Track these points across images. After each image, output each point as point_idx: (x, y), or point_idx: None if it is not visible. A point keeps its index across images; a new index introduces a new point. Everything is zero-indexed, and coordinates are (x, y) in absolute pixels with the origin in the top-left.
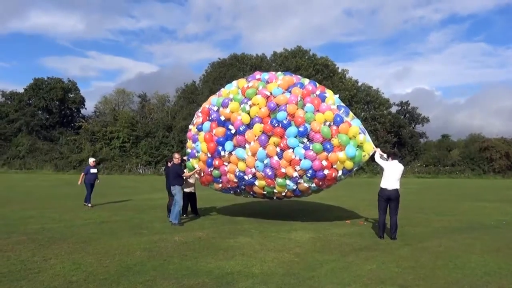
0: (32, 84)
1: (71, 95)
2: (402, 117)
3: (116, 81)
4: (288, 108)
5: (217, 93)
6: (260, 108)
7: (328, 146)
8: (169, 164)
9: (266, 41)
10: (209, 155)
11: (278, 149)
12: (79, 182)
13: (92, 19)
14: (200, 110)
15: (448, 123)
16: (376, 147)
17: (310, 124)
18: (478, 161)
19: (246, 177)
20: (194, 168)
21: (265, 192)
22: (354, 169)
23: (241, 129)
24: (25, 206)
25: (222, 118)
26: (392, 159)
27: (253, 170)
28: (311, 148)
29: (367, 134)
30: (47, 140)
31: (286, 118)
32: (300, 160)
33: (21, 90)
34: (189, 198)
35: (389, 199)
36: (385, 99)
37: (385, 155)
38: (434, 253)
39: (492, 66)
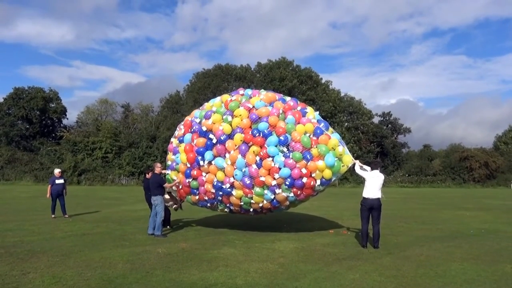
0: (12, 94)
1: (53, 105)
2: (384, 127)
3: (101, 91)
4: (270, 119)
5: (201, 107)
6: (242, 120)
7: (308, 156)
8: (148, 176)
9: (252, 52)
10: (188, 165)
11: (257, 158)
12: (47, 195)
13: (77, 28)
14: (182, 123)
15: (430, 133)
16: (359, 157)
17: (290, 134)
18: (459, 170)
19: (224, 187)
20: (173, 181)
21: (242, 203)
22: (333, 179)
23: (222, 138)
24: (3, 219)
25: (204, 128)
26: (373, 169)
27: (231, 179)
28: (291, 156)
29: (345, 147)
30: (27, 150)
31: (268, 129)
32: (280, 168)
33: (0, 100)
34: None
35: (371, 208)
36: (368, 109)
37: (365, 167)
38: (415, 261)
39: (472, 78)
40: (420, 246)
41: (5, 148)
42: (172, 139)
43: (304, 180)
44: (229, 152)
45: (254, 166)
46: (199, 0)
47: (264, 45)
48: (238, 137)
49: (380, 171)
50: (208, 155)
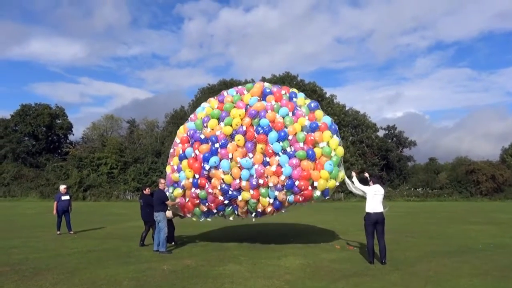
0: (19, 110)
1: (59, 121)
2: (389, 141)
3: (108, 107)
4: (268, 115)
5: (190, 119)
6: (241, 119)
7: (310, 152)
8: (146, 191)
9: (258, 67)
10: (196, 176)
11: (264, 157)
12: (54, 212)
13: (87, 46)
14: (176, 142)
15: (436, 146)
16: (365, 170)
17: (287, 128)
18: (465, 183)
19: (231, 190)
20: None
21: (248, 206)
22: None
23: (222, 141)
24: (8, 235)
25: (203, 136)
26: (374, 183)
27: (238, 181)
28: (295, 155)
29: (339, 136)
30: (33, 166)
31: (268, 125)
32: (282, 167)
33: (8, 117)
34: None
35: (376, 223)
36: (372, 123)
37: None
38: (423, 277)
39: (477, 91)
40: (428, 262)
41: (12, 164)
42: (170, 166)
43: (301, 183)
44: (232, 153)
45: (258, 166)
46: (205, 17)
47: (270, 60)
48: (237, 137)
49: (381, 186)
50: (214, 160)
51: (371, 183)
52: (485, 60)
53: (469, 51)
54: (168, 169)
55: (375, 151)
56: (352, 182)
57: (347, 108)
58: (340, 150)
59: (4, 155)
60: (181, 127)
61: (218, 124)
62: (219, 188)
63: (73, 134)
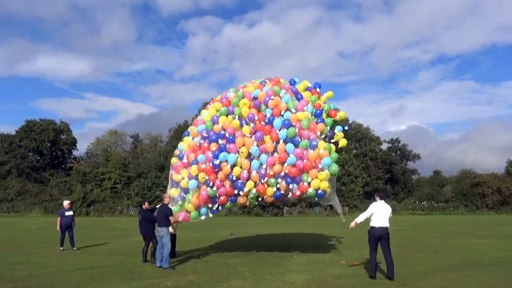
0: (24, 126)
1: (63, 137)
2: (393, 154)
3: (113, 122)
4: (270, 103)
5: (196, 123)
6: (249, 108)
7: (314, 143)
8: (144, 206)
9: None
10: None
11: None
12: (57, 228)
13: (92, 62)
14: (184, 155)
15: (441, 159)
16: (368, 184)
17: (291, 110)
18: (471, 197)
19: (239, 181)
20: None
21: (250, 196)
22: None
23: (231, 137)
24: (12, 252)
25: (211, 133)
26: (380, 199)
27: (246, 172)
28: (299, 145)
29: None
30: (38, 182)
31: (271, 114)
32: (288, 155)
33: (13, 132)
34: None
35: (380, 238)
36: (376, 136)
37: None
38: None
39: (480, 103)
40: (434, 277)
41: (16, 180)
42: (171, 191)
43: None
44: (240, 147)
45: (270, 155)
46: (209, 33)
47: (273, 75)
48: (245, 129)
49: (387, 201)
50: (223, 154)
51: (377, 198)
52: (488, 73)
53: (472, 64)
54: (174, 193)
55: (379, 165)
56: (360, 222)
57: (350, 122)
58: (343, 142)
59: (9, 171)
60: (186, 143)
61: (227, 118)
62: (229, 180)
63: (77, 149)
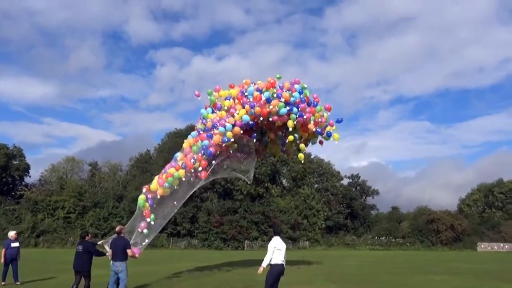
0: None
1: (15, 162)
2: (353, 189)
3: (72, 149)
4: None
5: (198, 129)
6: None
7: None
8: (87, 238)
9: None
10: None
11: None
12: (1, 260)
13: (52, 87)
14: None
15: (399, 195)
16: (329, 218)
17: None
18: (426, 233)
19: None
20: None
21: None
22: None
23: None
24: None
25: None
26: (275, 235)
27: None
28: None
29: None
30: None
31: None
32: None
33: None
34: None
35: (280, 274)
36: (336, 171)
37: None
38: None
39: (436, 143)
40: None
41: None
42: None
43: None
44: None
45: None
46: (177, 64)
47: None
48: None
49: (281, 237)
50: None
51: (274, 234)
52: (442, 114)
53: (427, 106)
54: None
55: (340, 199)
56: (266, 265)
57: (312, 157)
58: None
59: None
60: (189, 142)
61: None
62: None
63: (30, 176)
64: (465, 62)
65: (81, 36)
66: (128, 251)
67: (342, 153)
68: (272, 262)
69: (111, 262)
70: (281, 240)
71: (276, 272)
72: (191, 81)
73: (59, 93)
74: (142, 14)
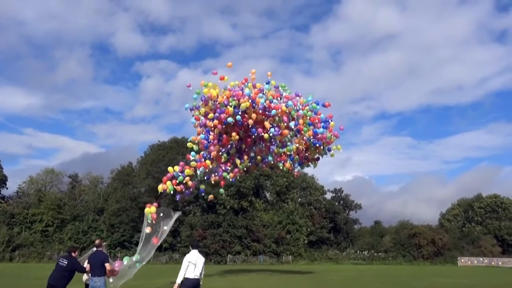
0: None
1: None
2: (336, 203)
3: (52, 161)
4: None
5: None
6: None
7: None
8: (74, 255)
9: None
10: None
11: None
12: None
13: (36, 97)
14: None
15: (381, 210)
16: (312, 233)
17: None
18: (408, 247)
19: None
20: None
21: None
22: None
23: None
24: None
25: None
26: (193, 249)
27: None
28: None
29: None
30: None
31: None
32: None
33: None
34: None
35: None
36: (320, 185)
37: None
38: None
39: (418, 158)
40: None
41: None
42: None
43: None
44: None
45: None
46: (163, 76)
47: None
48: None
49: (199, 251)
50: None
51: (191, 248)
52: (423, 130)
53: (409, 122)
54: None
55: (323, 214)
56: (181, 281)
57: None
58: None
59: None
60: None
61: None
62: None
63: (7, 188)
64: (445, 80)
65: (68, 47)
66: (107, 265)
67: (327, 167)
68: (186, 276)
69: (89, 276)
70: (198, 254)
71: (189, 286)
72: (177, 93)
73: (44, 104)
74: (130, 26)
